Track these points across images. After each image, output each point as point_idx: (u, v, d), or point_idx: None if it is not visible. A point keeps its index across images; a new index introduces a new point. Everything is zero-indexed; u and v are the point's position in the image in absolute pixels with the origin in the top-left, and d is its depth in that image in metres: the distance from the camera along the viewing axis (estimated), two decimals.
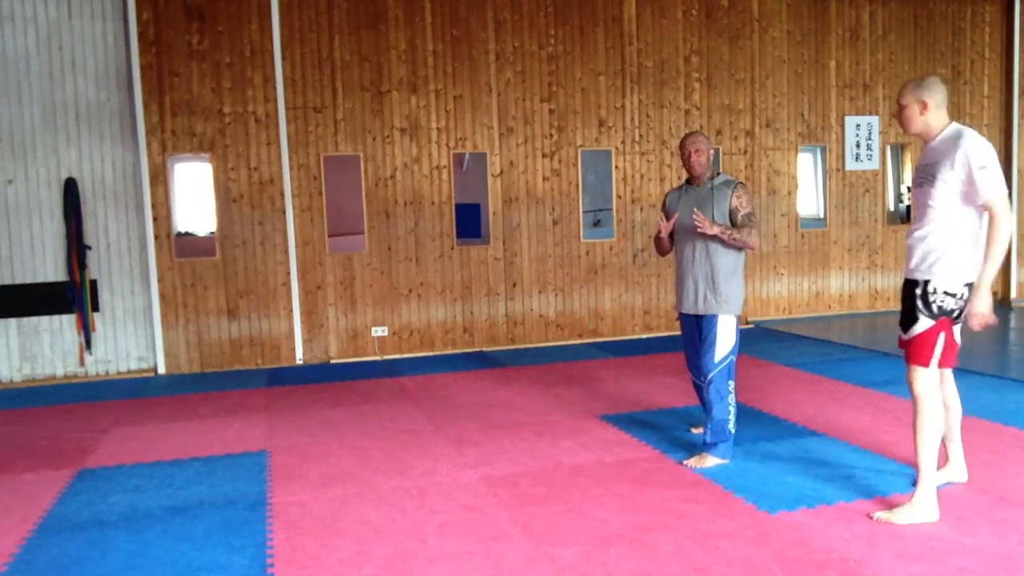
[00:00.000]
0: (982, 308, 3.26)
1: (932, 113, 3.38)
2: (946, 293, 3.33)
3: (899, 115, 3.49)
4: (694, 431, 4.72)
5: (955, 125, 3.39)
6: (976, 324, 3.28)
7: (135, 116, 7.02)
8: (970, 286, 3.34)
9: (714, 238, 4.09)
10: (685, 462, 4.14)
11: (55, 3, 6.90)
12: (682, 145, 4.28)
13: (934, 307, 3.34)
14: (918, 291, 3.38)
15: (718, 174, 4.28)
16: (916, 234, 3.42)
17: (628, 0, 8.24)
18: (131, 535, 3.48)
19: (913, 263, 3.43)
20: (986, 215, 3.27)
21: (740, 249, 4.18)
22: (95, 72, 7.01)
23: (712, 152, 4.29)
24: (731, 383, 4.17)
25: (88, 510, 3.81)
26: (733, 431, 4.17)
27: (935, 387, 3.37)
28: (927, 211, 3.38)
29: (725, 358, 4.14)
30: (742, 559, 3.03)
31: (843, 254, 9.30)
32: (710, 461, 4.10)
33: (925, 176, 3.39)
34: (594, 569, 2.99)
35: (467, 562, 3.09)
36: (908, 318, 3.43)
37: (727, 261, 4.16)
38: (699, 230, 4.03)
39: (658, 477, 3.97)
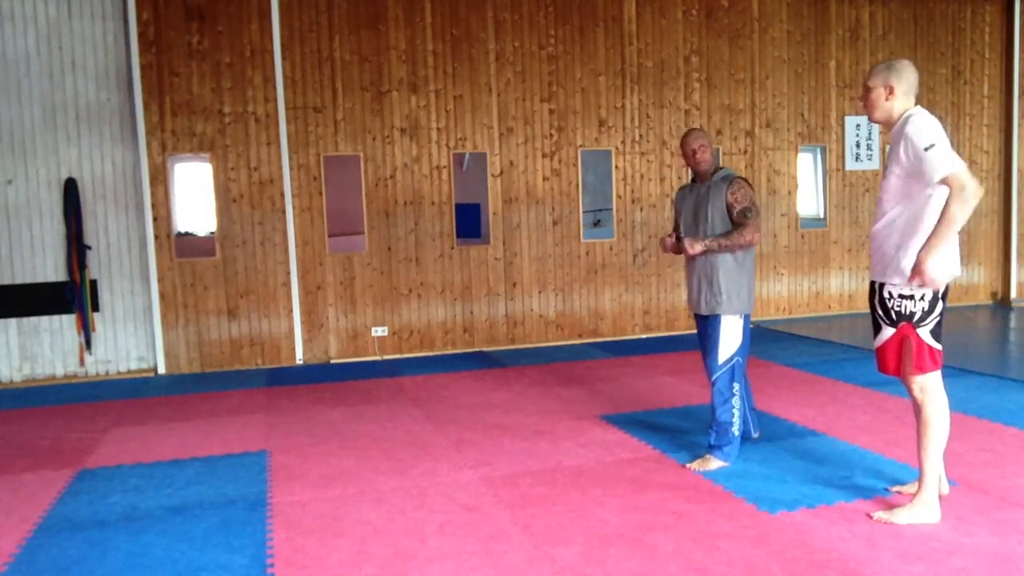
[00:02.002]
0: (927, 276, 3.03)
1: (898, 100, 3.18)
2: (902, 296, 3.17)
3: (864, 98, 3.28)
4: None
5: (911, 110, 3.17)
6: (917, 282, 3.08)
7: (135, 116, 7.02)
8: (946, 287, 3.16)
9: (713, 250, 4.03)
10: (688, 465, 4.10)
11: (55, 3, 6.90)
12: (684, 144, 4.18)
13: (892, 312, 3.20)
14: (876, 296, 3.26)
15: (720, 168, 4.18)
16: (872, 231, 3.28)
17: (628, 0, 8.24)
18: (131, 535, 3.48)
19: (872, 263, 3.30)
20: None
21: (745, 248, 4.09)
22: (95, 72, 7.01)
23: (714, 148, 4.20)
24: (736, 385, 4.10)
25: (88, 510, 3.81)
26: (737, 434, 4.11)
27: (936, 388, 3.24)
28: (881, 205, 3.22)
29: (729, 360, 4.08)
30: (742, 559, 3.03)
31: (843, 254, 9.30)
32: (713, 464, 4.05)
33: (885, 167, 3.24)
34: (594, 569, 2.99)
35: (467, 562, 3.09)
36: (873, 324, 3.31)
37: (729, 260, 4.06)
38: (690, 252, 4.03)
39: (658, 477, 3.97)
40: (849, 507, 3.48)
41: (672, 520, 3.42)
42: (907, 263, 3.13)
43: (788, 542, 3.16)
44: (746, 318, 4.14)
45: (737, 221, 4.03)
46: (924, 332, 3.19)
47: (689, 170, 4.68)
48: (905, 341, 3.22)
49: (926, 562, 2.95)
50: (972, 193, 2.95)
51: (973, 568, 2.89)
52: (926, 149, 2.99)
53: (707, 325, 4.18)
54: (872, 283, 3.33)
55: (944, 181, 2.98)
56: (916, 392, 3.25)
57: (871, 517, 3.34)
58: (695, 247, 4.02)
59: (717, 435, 4.11)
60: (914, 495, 3.36)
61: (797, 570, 2.92)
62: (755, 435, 4.47)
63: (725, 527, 3.32)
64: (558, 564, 3.04)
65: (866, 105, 3.28)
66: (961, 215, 2.97)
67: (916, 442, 3.34)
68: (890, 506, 3.44)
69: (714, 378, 4.11)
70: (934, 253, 3.03)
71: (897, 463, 4.04)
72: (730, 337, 4.09)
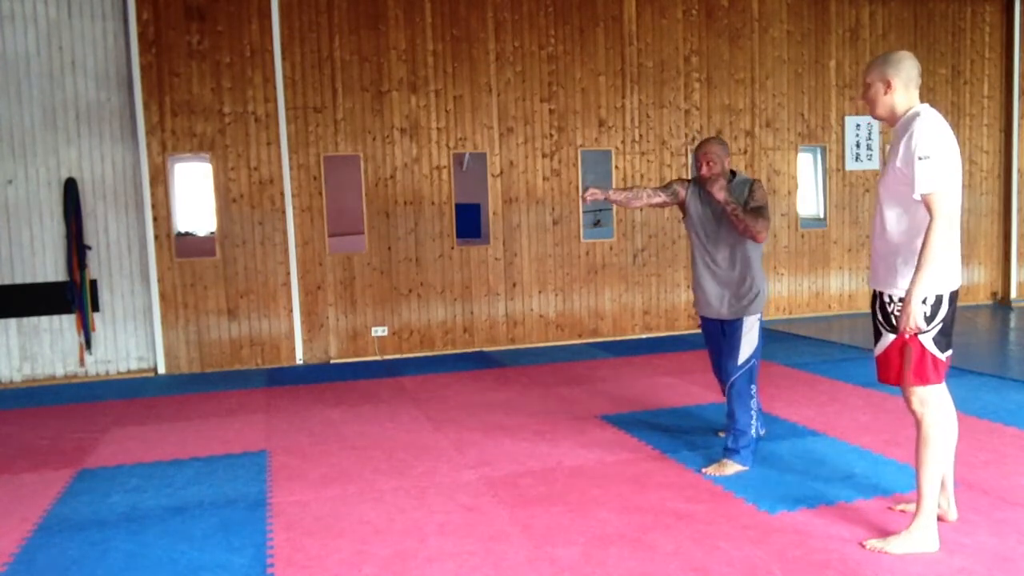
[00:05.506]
0: (907, 323, 2.90)
1: (898, 94, 3.00)
2: (903, 300, 2.94)
3: (864, 95, 3.10)
4: (722, 435, 4.47)
5: (917, 107, 3.00)
6: (906, 332, 2.94)
7: (135, 116, 7.02)
8: (952, 296, 2.95)
9: (726, 207, 3.90)
10: (705, 470, 4.00)
11: (55, 3, 6.89)
12: (695, 154, 4.13)
13: (892, 317, 3.01)
14: (878, 303, 3.08)
15: (735, 174, 4.11)
16: (873, 241, 3.08)
17: (628, 0, 8.24)
18: (131, 535, 3.48)
19: (872, 272, 3.12)
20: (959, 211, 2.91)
21: (750, 245, 4.03)
22: (95, 72, 7.01)
23: (727, 157, 4.06)
24: (754, 387, 4.05)
25: (88, 510, 3.81)
26: (755, 436, 4.05)
27: (937, 403, 3.00)
28: (882, 209, 3.02)
29: (748, 361, 4.03)
30: (742, 559, 3.03)
31: (843, 254, 9.30)
32: (731, 468, 3.97)
33: (883, 168, 3.04)
34: (594, 569, 2.99)
35: (467, 562, 3.09)
36: (874, 331, 3.13)
37: (748, 264, 4.02)
38: (714, 191, 3.89)
39: (658, 477, 3.97)
40: (849, 507, 3.48)
41: (672, 520, 3.42)
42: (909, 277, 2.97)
43: (788, 542, 3.16)
44: (760, 319, 4.12)
45: (751, 213, 3.94)
46: (926, 339, 2.97)
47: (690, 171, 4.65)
48: (905, 348, 3.00)
49: (926, 562, 2.95)
50: (946, 222, 2.80)
51: (973, 568, 2.89)
52: (920, 159, 2.83)
53: (727, 329, 4.12)
54: (874, 290, 3.17)
55: (923, 199, 2.83)
56: (915, 404, 3.02)
57: (863, 546, 3.07)
58: (722, 192, 3.88)
59: (735, 439, 4.03)
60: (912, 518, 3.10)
61: (797, 570, 2.92)
62: (761, 432, 4.43)
63: (725, 527, 3.32)
64: (558, 564, 3.04)
65: (866, 102, 3.12)
66: (937, 243, 2.81)
67: (915, 460, 3.07)
68: (896, 501, 3.44)
69: (732, 379, 4.05)
70: (918, 290, 2.86)
71: (897, 463, 4.04)
72: (751, 338, 4.04)
